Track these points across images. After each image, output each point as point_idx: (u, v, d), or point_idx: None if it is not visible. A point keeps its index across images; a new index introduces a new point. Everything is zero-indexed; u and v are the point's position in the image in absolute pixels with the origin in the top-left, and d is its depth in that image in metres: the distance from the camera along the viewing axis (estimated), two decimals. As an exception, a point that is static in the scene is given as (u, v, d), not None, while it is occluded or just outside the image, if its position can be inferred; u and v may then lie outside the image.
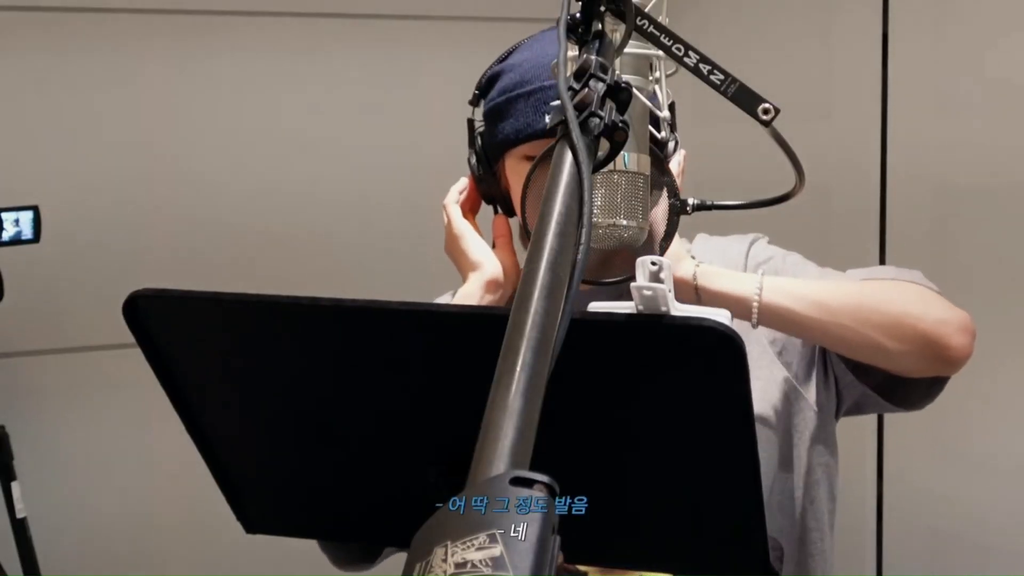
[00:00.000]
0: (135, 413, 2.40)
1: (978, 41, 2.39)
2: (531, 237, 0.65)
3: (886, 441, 2.55)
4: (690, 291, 1.19)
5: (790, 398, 1.29)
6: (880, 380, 1.26)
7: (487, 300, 1.27)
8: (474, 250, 1.29)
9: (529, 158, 1.25)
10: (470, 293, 1.27)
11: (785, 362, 1.29)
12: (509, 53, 1.30)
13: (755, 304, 1.17)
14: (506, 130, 1.27)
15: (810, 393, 1.30)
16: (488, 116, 1.30)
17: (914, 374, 1.22)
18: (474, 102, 1.33)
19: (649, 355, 0.79)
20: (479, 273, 1.28)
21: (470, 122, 1.33)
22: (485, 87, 1.31)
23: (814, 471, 1.31)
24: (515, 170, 1.28)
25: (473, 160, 1.32)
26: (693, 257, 1.23)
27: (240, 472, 0.96)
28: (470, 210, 1.34)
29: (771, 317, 1.18)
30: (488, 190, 1.33)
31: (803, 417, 1.30)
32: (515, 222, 1.33)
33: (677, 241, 1.17)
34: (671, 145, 1.23)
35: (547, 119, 1.20)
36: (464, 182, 1.35)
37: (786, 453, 1.29)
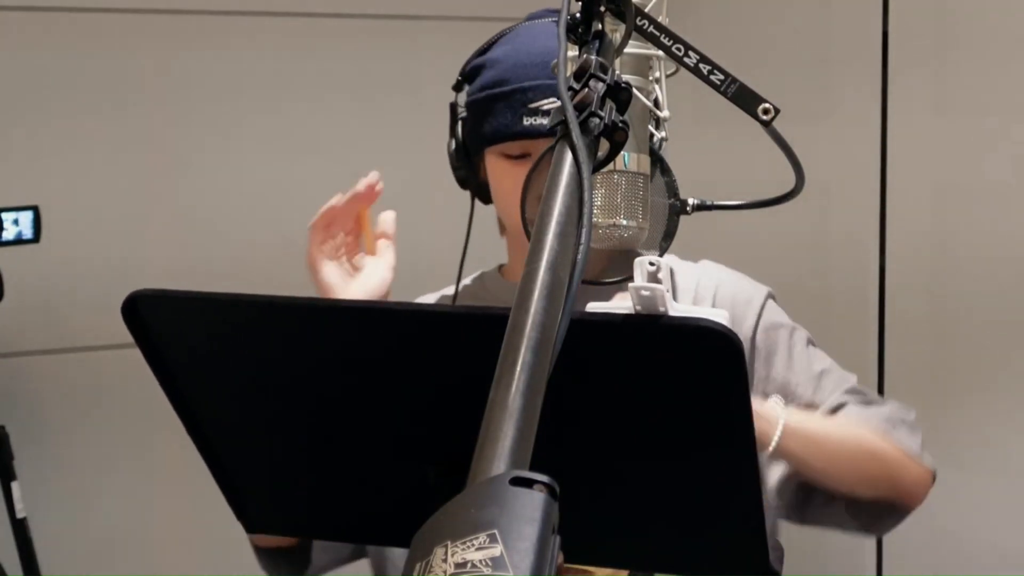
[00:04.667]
0: (135, 413, 2.39)
1: (979, 41, 2.39)
2: (531, 237, 0.65)
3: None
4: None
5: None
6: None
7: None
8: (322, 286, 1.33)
9: (507, 156, 1.29)
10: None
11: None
12: (491, 44, 1.33)
13: (772, 444, 1.17)
14: (485, 128, 1.30)
15: None
16: (469, 109, 1.33)
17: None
18: (457, 88, 1.35)
19: (647, 355, 0.79)
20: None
21: (452, 107, 1.35)
22: (468, 75, 1.33)
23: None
24: (494, 166, 1.31)
25: (452, 147, 1.35)
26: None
27: (240, 472, 0.96)
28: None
29: (781, 454, 1.20)
30: (464, 176, 1.35)
31: None
32: (491, 209, 1.37)
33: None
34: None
35: (524, 121, 1.24)
36: (339, 197, 1.39)
37: None
